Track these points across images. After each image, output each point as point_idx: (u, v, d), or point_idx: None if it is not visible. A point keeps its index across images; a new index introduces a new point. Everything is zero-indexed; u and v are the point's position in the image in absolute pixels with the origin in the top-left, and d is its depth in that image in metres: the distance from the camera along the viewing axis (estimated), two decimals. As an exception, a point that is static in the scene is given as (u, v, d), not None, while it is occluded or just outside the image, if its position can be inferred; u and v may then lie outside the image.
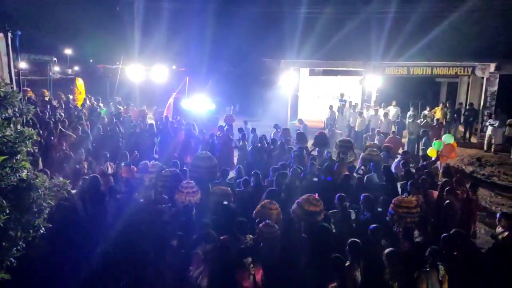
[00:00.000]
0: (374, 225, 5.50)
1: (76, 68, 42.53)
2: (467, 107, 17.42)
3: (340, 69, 20.40)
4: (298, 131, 11.77)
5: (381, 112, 16.00)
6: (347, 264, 4.69)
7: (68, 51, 44.75)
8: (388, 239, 5.41)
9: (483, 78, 17.56)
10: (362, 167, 9.11)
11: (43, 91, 18.17)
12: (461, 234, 5.47)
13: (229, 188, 6.65)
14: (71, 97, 17.91)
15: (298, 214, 5.75)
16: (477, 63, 17.29)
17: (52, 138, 9.70)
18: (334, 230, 5.84)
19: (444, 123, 16.20)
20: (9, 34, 11.45)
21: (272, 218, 5.57)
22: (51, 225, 3.73)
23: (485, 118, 16.95)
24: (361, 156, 9.71)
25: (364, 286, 4.67)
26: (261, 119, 19.60)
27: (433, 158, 10.36)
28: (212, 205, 6.37)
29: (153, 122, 14.05)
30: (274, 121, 13.97)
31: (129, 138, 11.10)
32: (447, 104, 17.62)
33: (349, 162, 9.51)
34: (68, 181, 4.03)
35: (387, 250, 4.83)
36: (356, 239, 4.92)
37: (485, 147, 15.63)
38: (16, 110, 3.69)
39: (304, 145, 10.55)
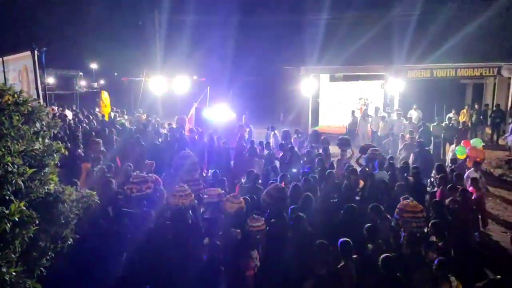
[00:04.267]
0: (369, 224, 5.38)
1: (102, 81, 43.60)
2: (494, 108, 16.94)
3: (361, 74, 20.23)
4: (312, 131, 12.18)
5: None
6: (341, 264, 4.66)
7: (93, 65, 45.95)
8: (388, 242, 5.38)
9: (509, 78, 17.06)
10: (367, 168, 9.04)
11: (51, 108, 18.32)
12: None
13: (219, 189, 6.86)
14: (97, 109, 18.40)
15: (267, 202, 6.36)
16: (503, 63, 16.81)
17: (79, 150, 9.91)
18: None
19: (470, 125, 15.75)
20: (36, 52, 11.89)
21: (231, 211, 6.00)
22: (78, 236, 3.83)
23: (512, 119, 16.46)
24: (364, 156, 9.84)
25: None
26: (283, 126, 19.61)
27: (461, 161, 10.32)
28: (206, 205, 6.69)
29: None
30: (296, 128, 13.97)
31: (151, 149, 11.19)
32: (475, 106, 17.22)
33: (347, 158, 10.05)
34: (95, 192, 4.13)
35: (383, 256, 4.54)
36: (347, 239, 4.78)
37: (513, 149, 15.13)
38: (44, 124, 3.80)
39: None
